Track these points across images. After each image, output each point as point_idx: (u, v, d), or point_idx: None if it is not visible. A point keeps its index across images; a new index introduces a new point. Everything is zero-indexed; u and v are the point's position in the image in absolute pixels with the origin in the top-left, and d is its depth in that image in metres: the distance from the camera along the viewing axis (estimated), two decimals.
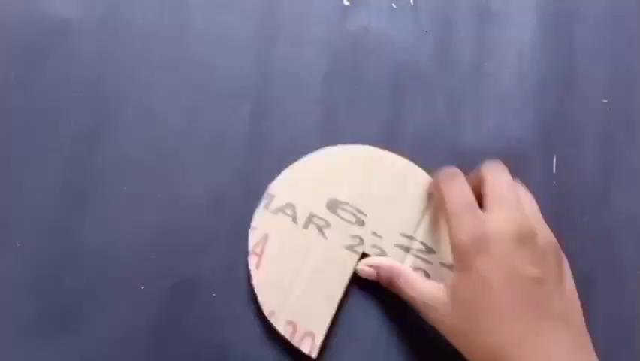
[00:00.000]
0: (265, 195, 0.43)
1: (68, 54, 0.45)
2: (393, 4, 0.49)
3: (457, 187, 0.37)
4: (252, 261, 0.41)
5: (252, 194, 0.43)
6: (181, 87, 0.45)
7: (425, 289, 0.37)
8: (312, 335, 0.40)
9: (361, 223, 0.43)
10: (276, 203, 0.43)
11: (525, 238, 0.33)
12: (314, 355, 0.40)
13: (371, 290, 0.42)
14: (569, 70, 0.49)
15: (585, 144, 0.47)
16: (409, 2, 0.49)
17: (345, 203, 0.43)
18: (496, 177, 0.37)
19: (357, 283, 0.42)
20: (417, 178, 0.44)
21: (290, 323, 0.40)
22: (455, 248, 0.34)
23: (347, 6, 0.48)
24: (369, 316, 0.42)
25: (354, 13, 0.48)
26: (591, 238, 0.45)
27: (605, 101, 0.48)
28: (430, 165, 0.44)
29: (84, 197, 0.43)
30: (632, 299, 0.44)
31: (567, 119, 0.47)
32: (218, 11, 0.47)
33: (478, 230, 0.33)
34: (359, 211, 0.43)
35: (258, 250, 0.42)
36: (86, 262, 0.42)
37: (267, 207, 0.42)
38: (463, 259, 0.33)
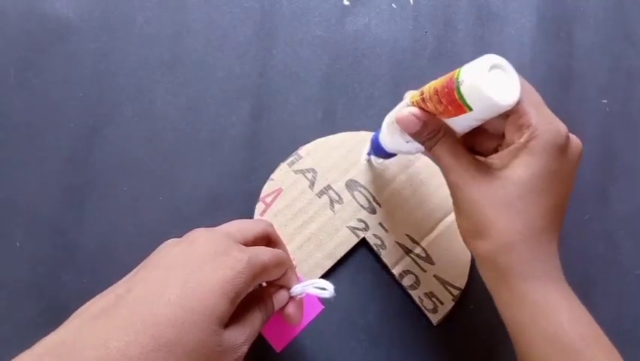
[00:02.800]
0: (294, 153, 0.44)
1: (68, 54, 0.45)
2: (393, 4, 0.49)
3: None
4: (259, 208, 0.43)
5: (252, 193, 0.43)
6: (181, 87, 0.45)
7: (467, 157, 0.33)
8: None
9: (372, 211, 0.43)
10: (300, 164, 0.44)
11: None
12: None
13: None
14: (569, 70, 0.49)
15: (585, 144, 0.47)
16: (409, 2, 0.49)
17: (365, 188, 0.43)
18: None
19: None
20: (443, 192, 0.44)
21: None
22: (556, 140, 0.32)
23: (347, 6, 0.48)
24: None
25: (354, 13, 0.48)
26: (591, 238, 0.45)
27: (605, 101, 0.48)
28: None
29: (84, 197, 0.43)
30: (632, 299, 0.44)
31: (567, 119, 0.47)
32: (218, 11, 0.47)
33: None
34: (374, 200, 0.43)
35: (267, 200, 0.43)
36: (85, 262, 0.42)
37: (291, 164, 0.44)
38: (560, 150, 0.32)
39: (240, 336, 0.30)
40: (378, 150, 0.40)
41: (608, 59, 0.49)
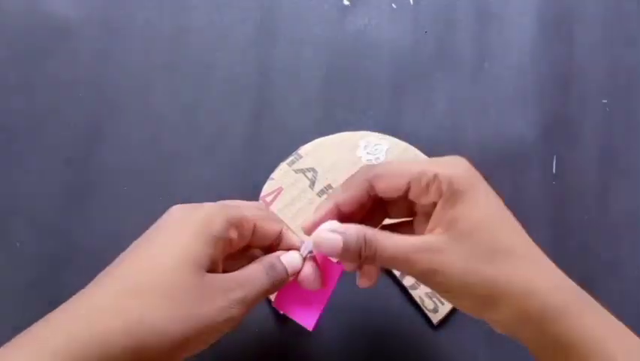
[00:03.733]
0: (294, 153, 0.44)
1: (68, 54, 0.45)
2: (393, 4, 0.49)
3: None
4: None
5: (252, 193, 0.43)
6: (181, 87, 0.45)
7: (412, 240, 0.30)
8: None
9: None
10: (300, 163, 0.44)
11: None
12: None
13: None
14: (569, 70, 0.49)
15: (585, 144, 0.47)
16: (409, 2, 0.49)
17: None
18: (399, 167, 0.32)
19: None
20: None
21: None
22: (452, 180, 0.29)
23: (347, 6, 0.48)
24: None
25: (354, 13, 0.48)
26: (591, 237, 0.45)
27: (605, 101, 0.48)
28: None
29: (84, 197, 0.43)
30: (632, 299, 0.44)
31: (567, 119, 0.47)
32: (218, 11, 0.47)
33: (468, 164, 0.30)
34: None
35: (268, 199, 0.43)
36: (85, 262, 0.42)
37: (291, 164, 0.44)
38: (464, 188, 0.29)
39: (230, 281, 0.29)
40: None
41: (608, 59, 0.49)
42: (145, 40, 0.46)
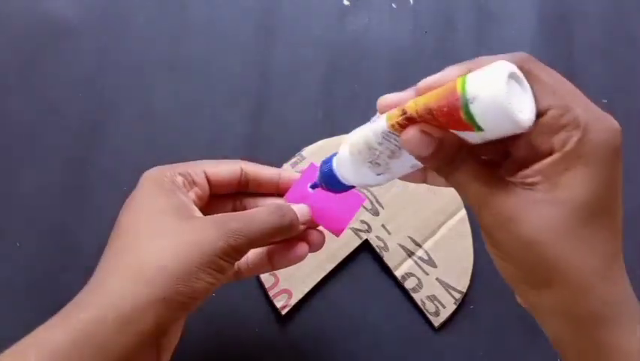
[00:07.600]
0: (297, 154, 0.44)
1: (68, 54, 0.45)
2: (393, 4, 0.49)
3: None
4: None
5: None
6: (181, 87, 0.45)
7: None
8: (289, 293, 0.41)
9: (375, 213, 0.43)
10: (303, 165, 0.43)
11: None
12: (284, 311, 0.41)
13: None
14: (569, 70, 0.48)
15: None
16: (409, 2, 0.49)
17: (368, 189, 0.43)
18: (545, 70, 0.25)
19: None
20: (446, 193, 0.43)
21: (274, 275, 0.41)
22: (613, 141, 0.26)
23: (347, 6, 0.48)
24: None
25: (354, 13, 0.48)
26: None
27: (605, 101, 0.48)
28: None
29: (84, 197, 0.43)
30: None
31: None
32: (218, 11, 0.47)
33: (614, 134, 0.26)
34: (377, 201, 0.43)
35: None
36: (85, 262, 0.42)
37: (294, 165, 0.43)
38: (617, 154, 0.26)
39: (226, 215, 0.29)
40: (331, 182, 0.31)
41: (608, 59, 0.49)
42: (145, 40, 0.46)
